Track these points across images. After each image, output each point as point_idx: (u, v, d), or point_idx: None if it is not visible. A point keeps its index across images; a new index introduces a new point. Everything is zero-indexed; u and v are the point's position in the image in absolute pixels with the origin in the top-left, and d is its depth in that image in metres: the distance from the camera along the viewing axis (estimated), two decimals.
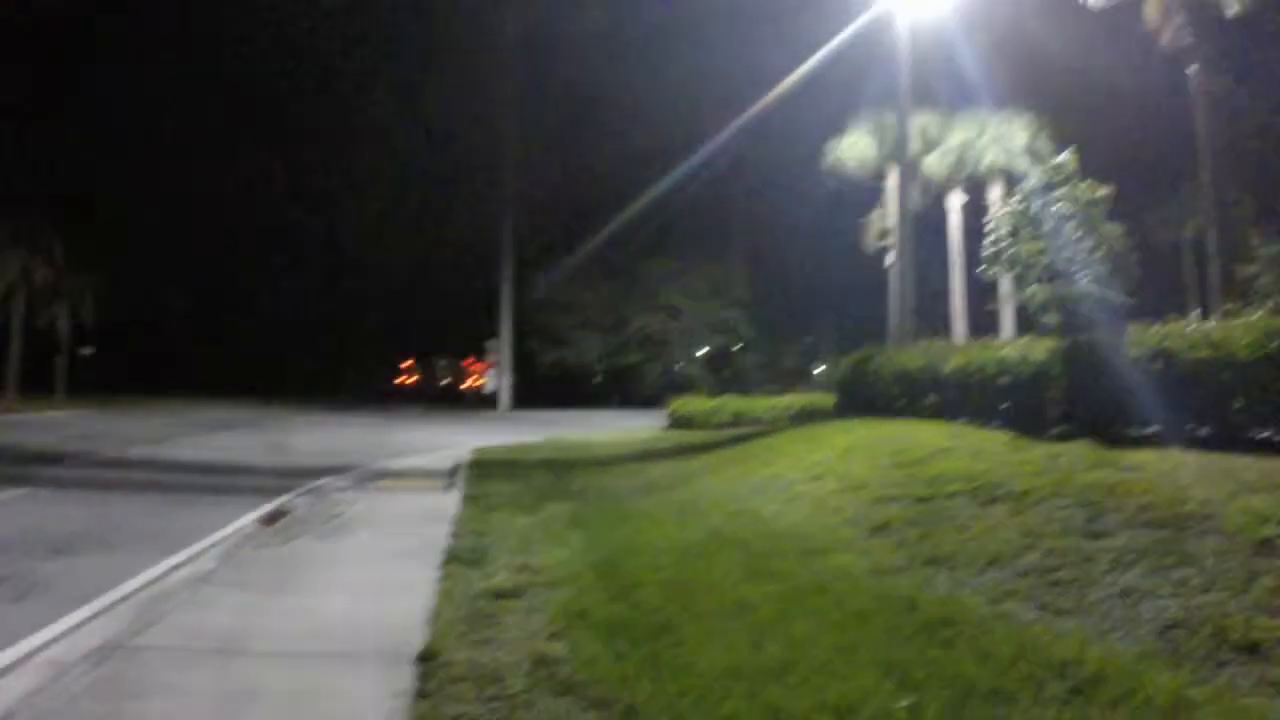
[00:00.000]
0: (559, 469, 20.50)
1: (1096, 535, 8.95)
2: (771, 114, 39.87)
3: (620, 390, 64.37)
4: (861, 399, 22.35)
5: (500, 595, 8.78)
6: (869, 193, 40.40)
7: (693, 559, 10.17)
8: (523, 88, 60.18)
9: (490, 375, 63.86)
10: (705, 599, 8.42)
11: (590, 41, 57.93)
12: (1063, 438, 13.81)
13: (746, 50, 50.00)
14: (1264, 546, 7.79)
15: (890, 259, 33.27)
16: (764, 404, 36.05)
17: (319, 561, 10.72)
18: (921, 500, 11.55)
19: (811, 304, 63.35)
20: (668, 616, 7.91)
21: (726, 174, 54.04)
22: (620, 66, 58.56)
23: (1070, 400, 14.75)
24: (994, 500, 10.86)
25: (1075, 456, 12.03)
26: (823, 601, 8.22)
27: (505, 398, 60.35)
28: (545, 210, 61.53)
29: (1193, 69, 20.72)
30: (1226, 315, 14.64)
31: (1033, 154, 38.09)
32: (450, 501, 15.30)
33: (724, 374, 63.43)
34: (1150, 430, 13.32)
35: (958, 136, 39.33)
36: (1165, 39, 21.31)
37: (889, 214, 35.88)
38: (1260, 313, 13.15)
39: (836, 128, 40.16)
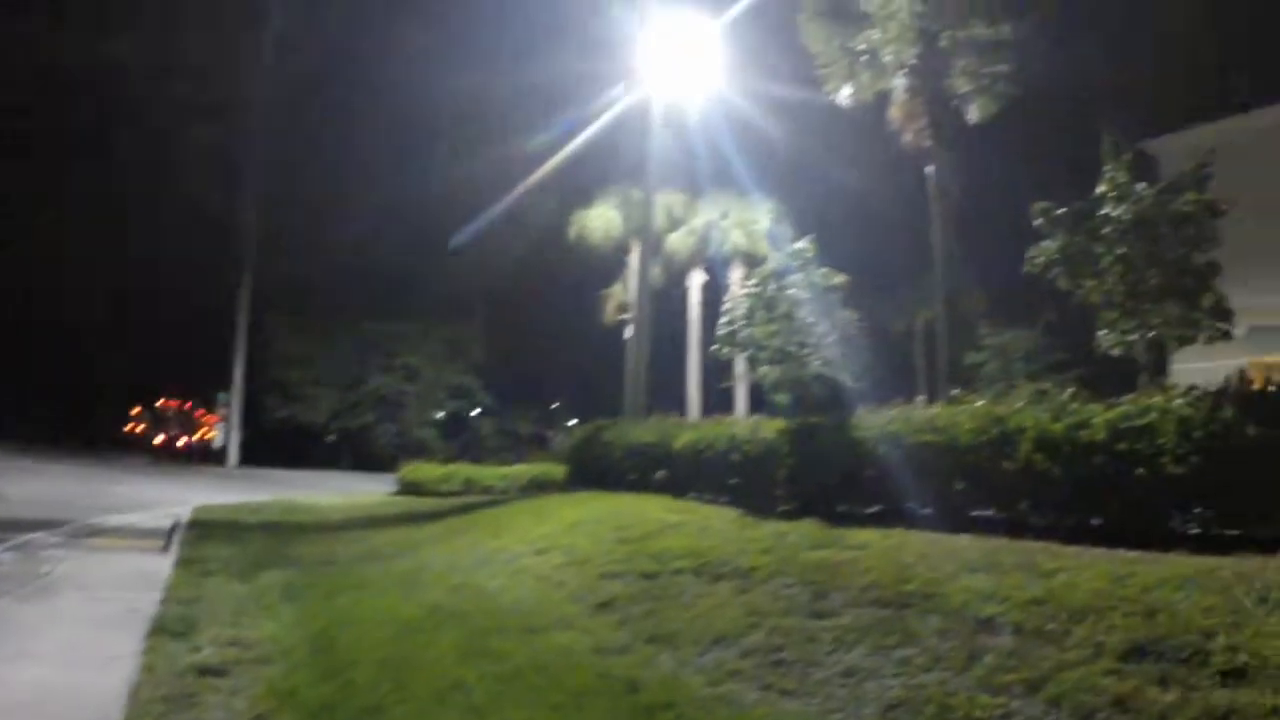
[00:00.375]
0: (282, 532, 19.53)
1: (821, 614, 8.90)
2: (520, 178, 40.04)
3: (353, 451, 62.52)
4: (593, 471, 22.21)
5: (205, 672, 8.13)
6: (613, 265, 40.76)
7: (411, 635, 9.61)
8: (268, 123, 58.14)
9: (220, 429, 61.18)
10: (421, 679, 7.91)
11: (349, 87, 56.82)
12: (790, 516, 13.88)
13: (501, 106, 49.90)
14: (986, 625, 7.87)
15: (629, 333, 33.59)
16: (496, 472, 35.59)
17: (16, 626, 9.69)
18: (647, 577, 11.34)
19: (551, 372, 63.57)
20: (379, 698, 7.39)
21: (472, 240, 53.74)
22: (374, 118, 57.73)
23: (798, 479, 14.88)
24: (720, 578, 10.75)
25: (802, 534, 12.08)
26: (542, 682, 7.83)
27: (234, 453, 57.96)
28: (289, 258, 59.22)
29: (931, 169, 21.76)
30: (952, 401, 15.19)
31: (772, 238, 39.39)
32: (167, 564, 14.32)
33: (459, 439, 62.58)
34: (876, 509, 13.62)
35: (702, 217, 40.25)
36: (908, 140, 22.36)
37: (630, 288, 36.27)
38: (982, 401, 13.65)
39: (585, 198, 40.41)
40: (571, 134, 34.45)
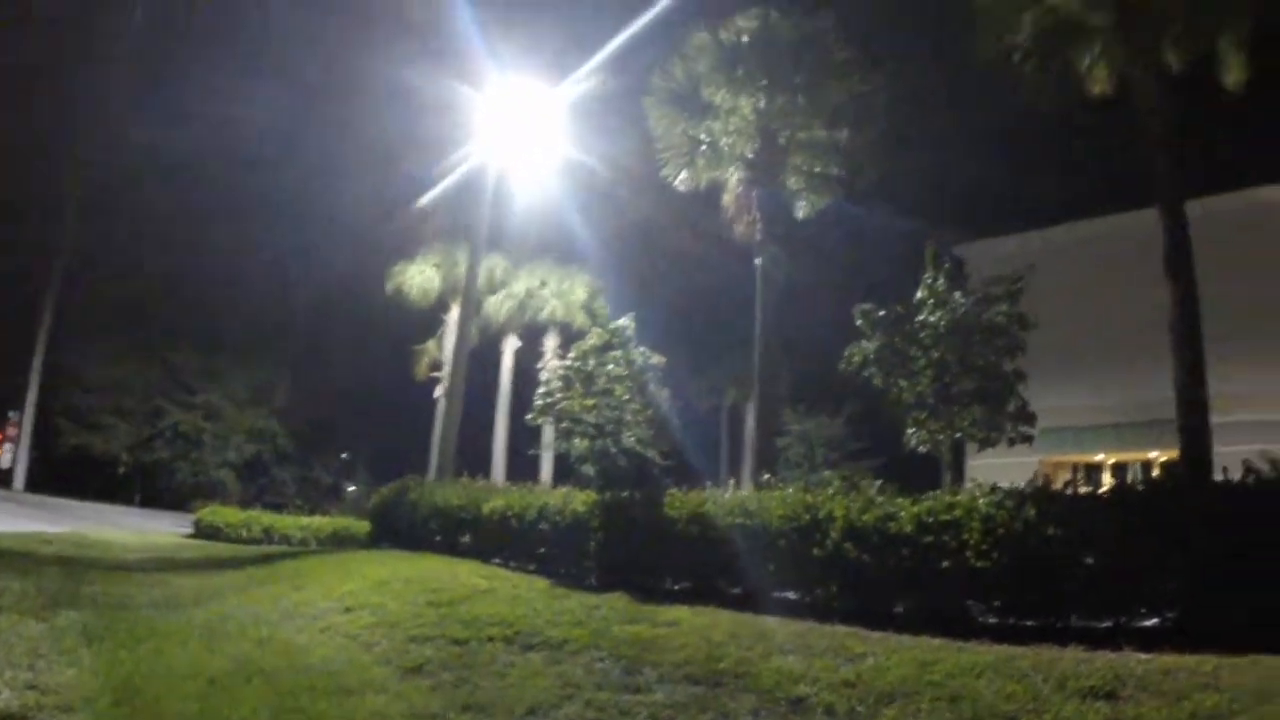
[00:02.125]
0: (78, 569, 18.41)
1: (635, 689, 8.97)
2: (341, 227, 39.48)
3: (146, 487, 59.61)
4: (397, 530, 21.92)
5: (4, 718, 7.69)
6: (429, 321, 40.39)
7: (219, 691, 9.22)
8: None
9: (7, 449, 57.54)
10: None
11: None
12: (600, 588, 14.02)
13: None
14: (797, 705, 8.08)
15: (439, 391, 33.29)
16: (296, 522, 34.52)
17: None
18: (458, 643, 11.20)
19: (356, 424, 62.18)
20: None
21: (285, 281, 52.43)
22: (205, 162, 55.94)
23: (608, 552, 15.02)
24: (532, 648, 10.72)
25: (613, 608, 12.19)
26: None
27: (21, 477, 54.43)
28: (100, 277, 56.33)
29: (759, 260, 22.29)
30: (761, 485, 15.57)
31: (590, 312, 39.77)
32: None
33: (257, 484, 60.53)
34: (685, 586, 13.83)
35: (523, 283, 40.39)
36: (738, 230, 22.89)
37: (445, 346, 36.02)
38: (792, 488, 14.05)
39: (406, 253, 40.03)
40: (405, 190, 34.31)
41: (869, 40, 23.26)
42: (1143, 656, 8.60)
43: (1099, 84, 16.24)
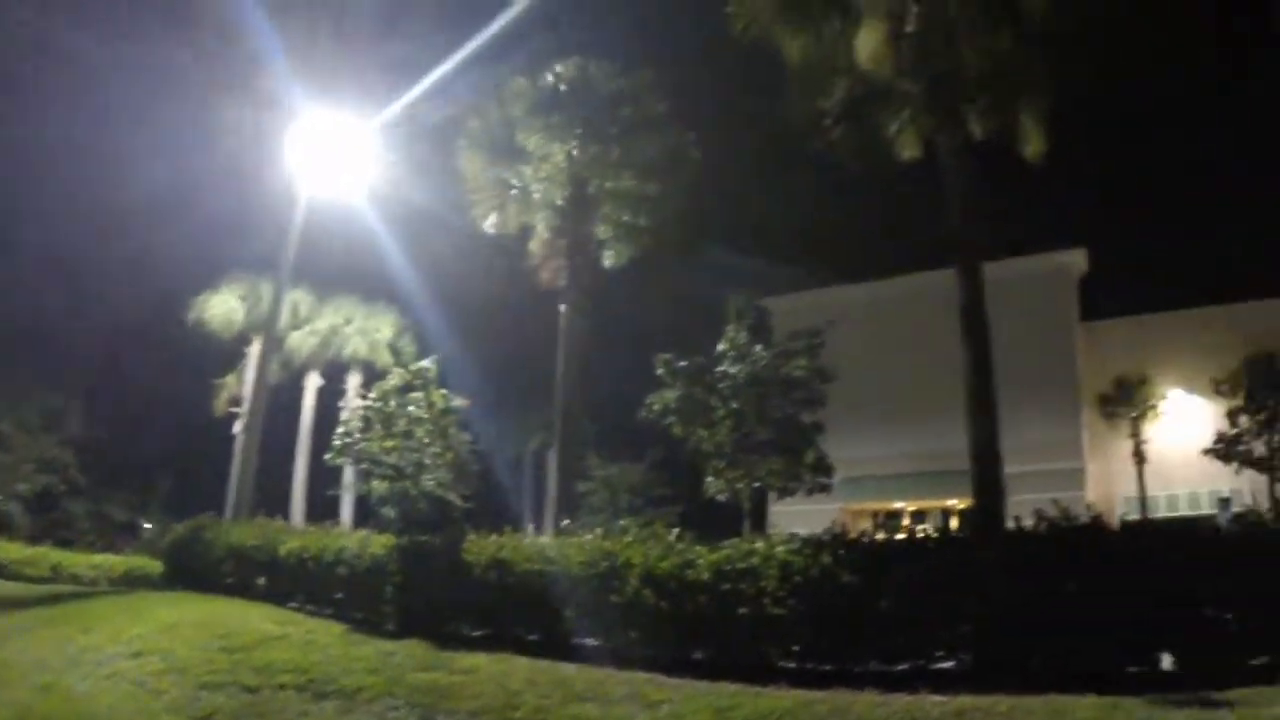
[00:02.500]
0: None
1: None
2: (142, 252, 38.02)
3: None
4: (192, 571, 21.05)
5: None
6: (231, 354, 39.02)
7: None
8: None
9: None
10: None
11: None
12: (397, 634, 13.80)
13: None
14: None
15: (238, 427, 32.26)
16: (87, 560, 32.49)
17: None
18: (249, 690, 10.84)
19: (153, 458, 59.38)
20: None
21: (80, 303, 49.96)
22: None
23: (406, 597, 14.79)
24: (325, 696, 10.46)
25: (409, 655, 12.04)
26: None
27: None
28: None
29: (563, 306, 22.28)
30: (562, 532, 15.56)
31: (395, 351, 39.21)
32: None
33: (48, 518, 57.08)
34: (484, 633, 13.70)
35: (327, 319, 39.49)
36: (544, 276, 22.83)
37: (246, 381, 34.89)
38: (591, 535, 14.07)
39: (210, 282, 38.65)
40: (215, 218, 33.28)
41: (685, 96, 23.63)
42: (938, 699, 8.88)
43: (907, 149, 16.82)
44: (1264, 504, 25.45)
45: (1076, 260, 36.10)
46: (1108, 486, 34.42)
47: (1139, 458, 34.06)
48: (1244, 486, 29.51)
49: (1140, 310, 36.98)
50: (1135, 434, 34.48)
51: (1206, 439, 29.44)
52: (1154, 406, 34.93)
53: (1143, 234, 52.13)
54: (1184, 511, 30.71)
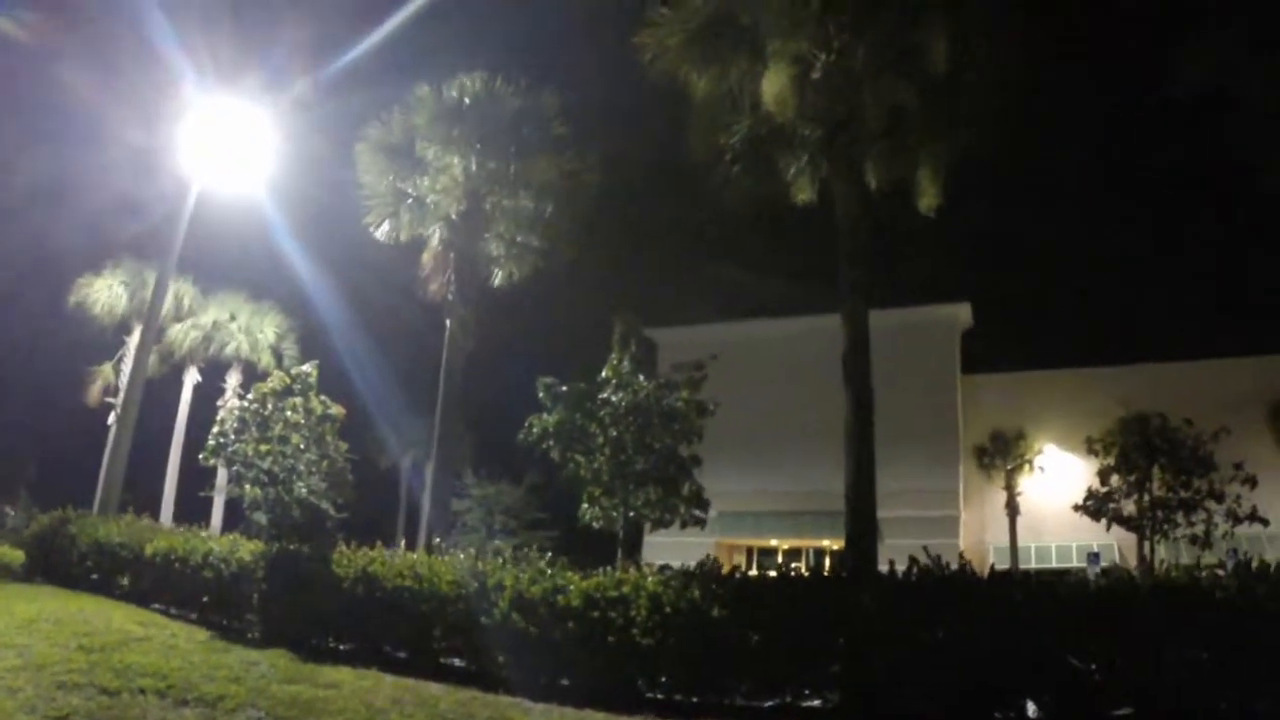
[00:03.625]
0: None
1: None
2: (24, 233, 36.92)
3: None
4: (54, 564, 20.37)
5: None
6: (110, 343, 37.87)
7: None
8: None
9: None
10: None
11: None
12: (262, 643, 13.55)
13: None
14: None
15: (112, 419, 31.45)
16: None
17: None
18: (108, 693, 10.49)
19: (21, 442, 57.27)
20: None
21: None
22: None
23: (272, 605, 14.56)
24: (185, 703, 10.18)
25: (273, 665, 11.81)
26: None
27: None
28: None
29: (449, 321, 22.09)
30: (434, 549, 15.45)
31: (277, 354, 38.63)
32: None
33: None
34: (350, 647, 13.53)
35: (211, 314, 38.67)
36: (433, 288, 22.59)
37: (123, 371, 34.01)
38: (463, 554, 14.00)
39: (95, 263, 37.54)
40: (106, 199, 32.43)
41: (588, 120, 23.67)
42: None
43: (802, 193, 17.08)
44: (1132, 561, 26.35)
45: (961, 314, 37.00)
46: (981, 535, 35.27)
47: (1012, 509, 34.98)
48: (1113, 542, 30.47)
49: (1020, 367, 38.04)
50: (1009, 486, 35.45)
51: (1078, 494, 30.22)
52: (1029, 461, 35.95)
53: (1025, 294, 53.74)
54: (1054, 563, 31.56)
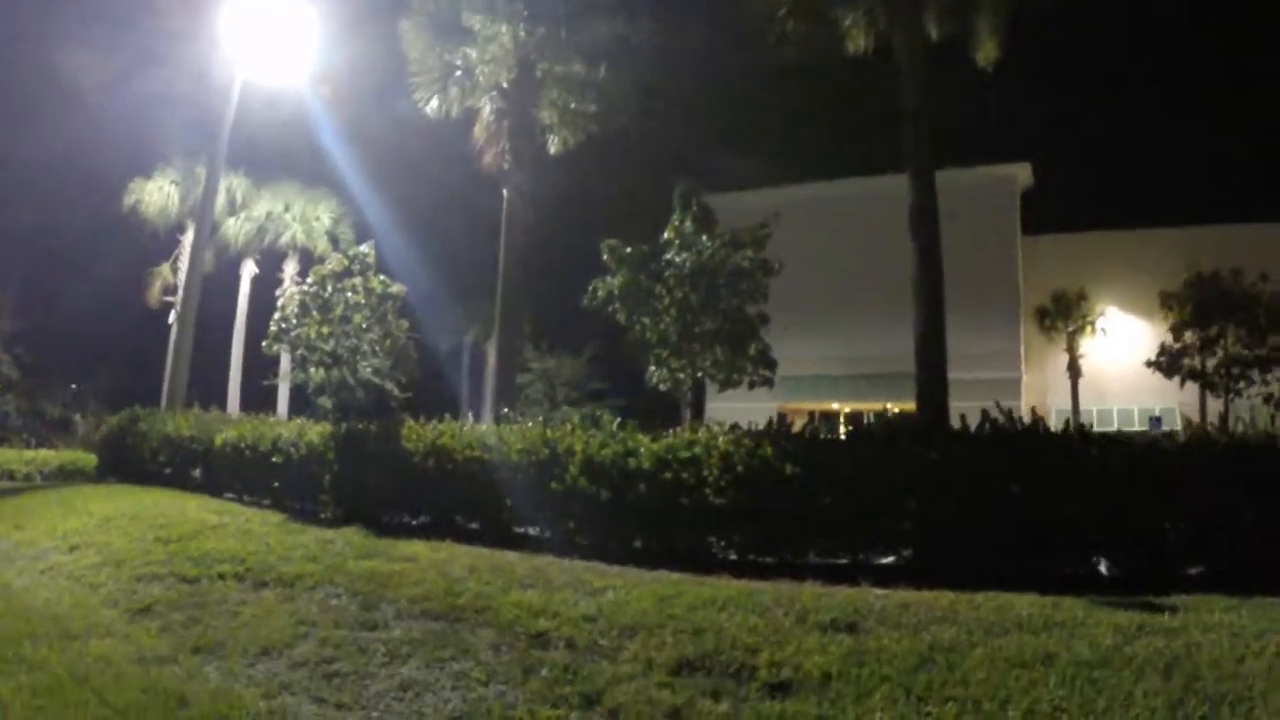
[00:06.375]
0: None
1: (372, 626, 8.66)
2: (73, 138, 36.88)
3: None
4: (127, 463, 20.82)
5: None
6: (166, 243, 38.12)
7: None
8: None
9: None
10: None
11: None
12: (335, 523, 13.67)
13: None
14: (538, 639, 7.97)
15: (173, 317, 31.74)
16: (20, 456, 31.87)
17: None
18: (188, 581, 10.59)
19: (88, 350, 57.93)
20: None
21: (4, 194, 48.44)
22: None
23: (344, 485, 14.62)
24: (264, 585, 10.23)
25: (348, 543, 11.86)
26: (85, 696, 7.04)
27: None
28: None
29: (506, 191, 21.88)
30: (501, 420, 15.44)
31: (333, 238, 38.66)
32: None
33: None
34: (423, 521, 13.61)
35: (264, 205, 38.72)
36: (487, 160, 22.36)
37: (180, 270, 34.21)
38: (531, 422, 13.97)
39: (146, 167, 37.54)
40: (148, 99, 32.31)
41: None
42: (880, 591, 8.90)
43: (856, 42, 16.62)
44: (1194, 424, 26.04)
45: (1020, 174, 36.32)
46: (1042, 398, 35.01)
47: (1074, 372, 34.63)
48: (1175, 405, 30.15)
49: (1081, 228, 37.38)
50: (1071, 348, 35.03)
51: (1141, 357, 29.83)
52: (1091, 322, 35.46)
53: (1085, 152, 52.50)
54: (1116, 426, 31.23)
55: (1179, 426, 11.12)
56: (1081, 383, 34.45)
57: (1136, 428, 30.05)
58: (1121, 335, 34.88)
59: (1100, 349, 35.16)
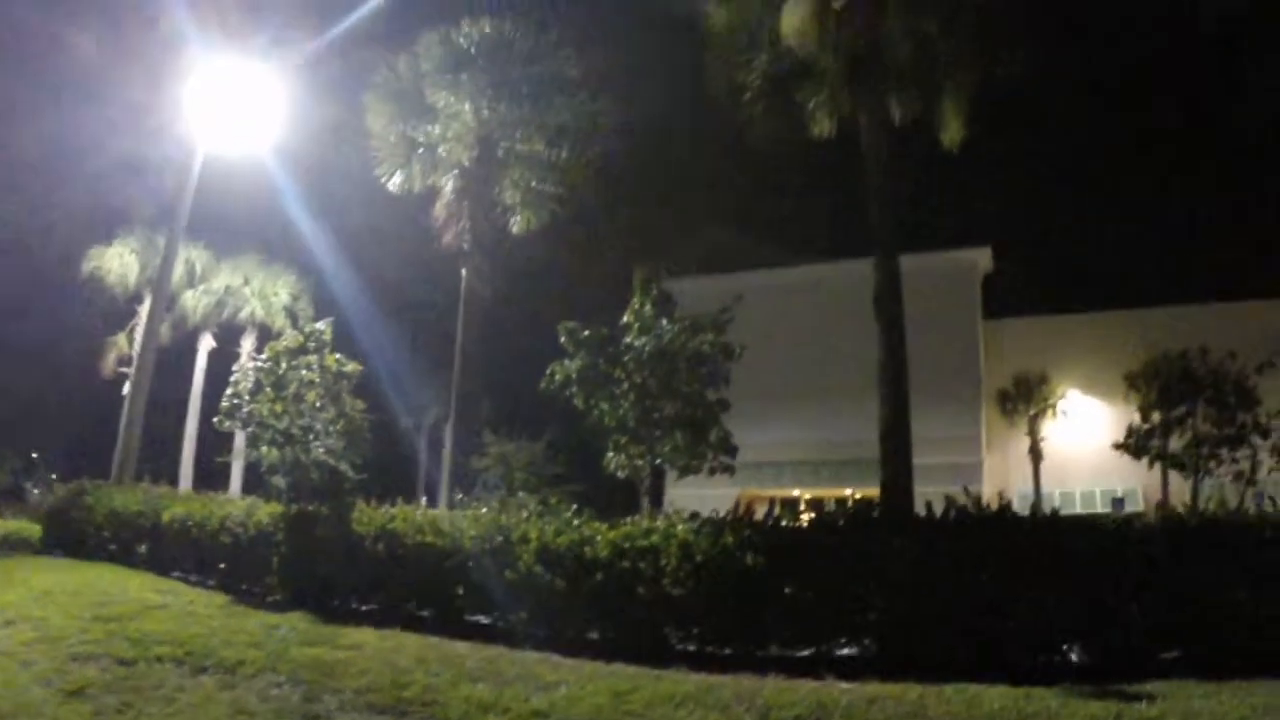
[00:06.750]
0: None
1: (314, 717, 8.35)
2: (34, 204, 36.64)
3: None
4: (72, 536, 20.25)
5: None
6: (123, 313, 37.61)
7: None
8: None
9: None
10: None
11: None
12: (282, 606, 13.31)
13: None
14: None
15: (128, 388, 31.28)
16: None
17: None
18: (124, 663, 10.20)
19: (42, 419, 57.12)
20: None
21: None
22: None
23: (292, 568, 14.25)
24: (204, 670, 9.89)
25: (294, 629, 11.56)
26: None
27: None
28: None
29: (465, 271, 21.75)
30: (455, 505, 15.14)
31: (292, 315, 38.38)
32: None
33: None
34: (372, 607, 13.26)
35: (224, 279, 38.47)
36: (447, 239, 22.24)
37: (136, 340, 33.78)
38: (486, 507, 13.72)
39: (106, 234, 37.22)
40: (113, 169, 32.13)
41: (601, 63, 23.22)
42: (845, 685, 8.66)
43: (820, 126, 16.66)
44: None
45: (981, 259, 36.54)
46: (1004, 481, 34.87)
47: (1036, 455, 34.56)
48: (1137, 487, 30.11)
49: (1042, 311, 37.62)
50: (1033, 431, 34.99)
51: (1102, 438, 29.77)
52: (1052, 405, 35.48)
53: (1046, 236, 53.09)
54: (1079, 509, 31.13)
55: (1141, 507, 10.99)
56: (1043, 465, 34.40)
57: (1099, 509, 29.96)
58: (1083, 417, 34.91)
59: (1061, 431, 35.16)
